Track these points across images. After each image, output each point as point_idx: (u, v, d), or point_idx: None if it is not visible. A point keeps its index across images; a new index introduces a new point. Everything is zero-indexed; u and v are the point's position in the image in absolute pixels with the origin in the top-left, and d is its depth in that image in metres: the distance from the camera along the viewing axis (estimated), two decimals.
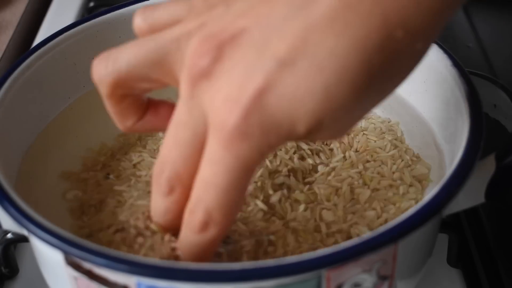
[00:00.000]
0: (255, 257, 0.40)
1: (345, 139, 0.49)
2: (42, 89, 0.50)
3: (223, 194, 0.33)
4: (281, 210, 0.44)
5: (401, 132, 0.50)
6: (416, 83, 0.50)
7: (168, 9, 0.37)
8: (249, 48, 0.32)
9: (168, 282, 0.35)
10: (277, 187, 0.45)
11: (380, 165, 0.47)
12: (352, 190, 0.45)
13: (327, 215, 0.43)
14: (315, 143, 0.48)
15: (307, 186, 0.45)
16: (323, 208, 0.44)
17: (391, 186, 0.46)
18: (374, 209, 0.44)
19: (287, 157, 0.47)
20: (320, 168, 0.47)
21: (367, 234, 0.36)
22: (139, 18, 0.38)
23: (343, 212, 0.44)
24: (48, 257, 0.40)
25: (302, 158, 0.47)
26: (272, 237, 0.41)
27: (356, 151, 0.48)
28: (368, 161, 0.47)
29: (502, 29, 0.77)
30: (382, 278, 0.38)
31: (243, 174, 0.33)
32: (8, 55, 0.71)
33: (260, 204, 0.44)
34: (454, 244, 0.49)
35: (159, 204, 0.37)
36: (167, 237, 0.38)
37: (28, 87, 0.48)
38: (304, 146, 0.48)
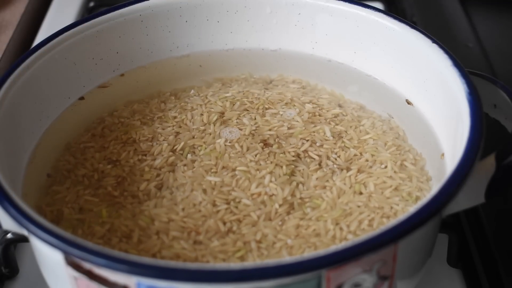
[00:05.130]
0: None
1: (349, 136, 0.49)
2: (42, 89, 0.50)
3: None
4: None
5: (403, 131, 0.50)
6: (416, 83, 0.50)
7: None
8: None
9: (168, 282, 0.35)
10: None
11: (380, 166, 0.47)
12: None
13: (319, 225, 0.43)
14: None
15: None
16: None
17: (391, 186, 0.46)
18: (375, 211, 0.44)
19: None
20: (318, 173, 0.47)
21: (367, 234, 0.36)
22: None
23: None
24: (48, 257, 0.40)
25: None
26: None
27: (355, 155, 0.48)
28: (367, 160, 0.47)
29: (502, 29, 0.77)
30: (382, 278, 0.38)
31: None
32: (8, 55, 0.71)
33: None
34: (454, 244, 0.49)
35: None
36: None
37: (28, 87, 0.48)
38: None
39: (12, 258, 0.49)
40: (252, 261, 0.41)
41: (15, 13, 0.76)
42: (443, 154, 0.46)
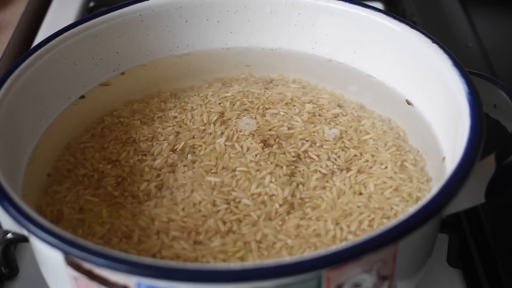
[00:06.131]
0: None
1: (349, 137, 0.49)
2: (42, 89, 0.50)
3: None
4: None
5: (403, 131, 0.50)
6: (416, 83, 0.50)
7: None
8: None
9: (168, 282, 0.35)
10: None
11: (380, 166, 0.47)
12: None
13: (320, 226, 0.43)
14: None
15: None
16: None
17: (391, 187, 0.46)
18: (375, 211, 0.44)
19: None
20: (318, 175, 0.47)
21: (367, 234, 0.36)
22: None
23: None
24: (48, 257, 0.40)
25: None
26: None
27: (355, 155, 0.48)
28: (367, 161, 0.47)
29: (502, 29, 0.77)
30: (382, 278, 0.38)
31: None
32: (8, 55, 0.71)
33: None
34: (454, 244, 0.49)
35: None
36: None
37: (28, 87, 0.48)
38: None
39: (12, 258, 0.49)
40: (252, 261, 0.41)
41: (15, 13, 0.76)
42: (444, 158, 0.46)
